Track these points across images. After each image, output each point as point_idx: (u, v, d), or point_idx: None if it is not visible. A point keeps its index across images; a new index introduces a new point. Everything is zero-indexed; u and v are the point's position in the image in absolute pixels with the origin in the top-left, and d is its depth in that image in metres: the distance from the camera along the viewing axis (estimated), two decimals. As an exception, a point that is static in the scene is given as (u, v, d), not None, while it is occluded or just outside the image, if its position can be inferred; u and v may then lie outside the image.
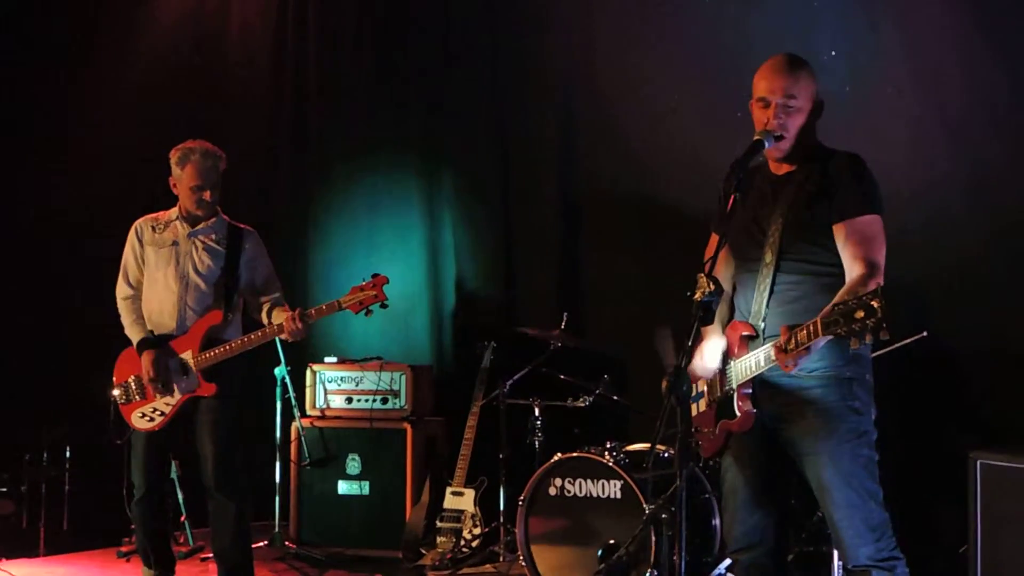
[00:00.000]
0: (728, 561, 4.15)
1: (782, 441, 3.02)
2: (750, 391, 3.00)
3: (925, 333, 4.01)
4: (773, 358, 2.84)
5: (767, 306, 2.99)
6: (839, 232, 2.93)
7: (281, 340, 5.08)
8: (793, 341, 2.75)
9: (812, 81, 3.03)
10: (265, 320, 4.35)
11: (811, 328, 2.70)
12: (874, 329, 2.53)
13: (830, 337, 2.67)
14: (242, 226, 4.44)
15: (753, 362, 2.94)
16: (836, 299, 2.75)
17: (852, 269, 2.88)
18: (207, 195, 4.30)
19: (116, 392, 4.36)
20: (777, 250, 2.99)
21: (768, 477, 3.08)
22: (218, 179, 4.32)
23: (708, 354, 3.10)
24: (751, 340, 3.01)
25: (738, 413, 3.01)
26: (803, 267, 2.98)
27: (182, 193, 4.33)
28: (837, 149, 3.06)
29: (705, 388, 3.18)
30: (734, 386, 3.02)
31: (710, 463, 4.34)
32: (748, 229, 3.09)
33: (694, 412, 3.23)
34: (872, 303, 2.54)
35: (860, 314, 2.55)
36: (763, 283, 3.01)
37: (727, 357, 3.07)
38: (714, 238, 3.29)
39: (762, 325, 3.00)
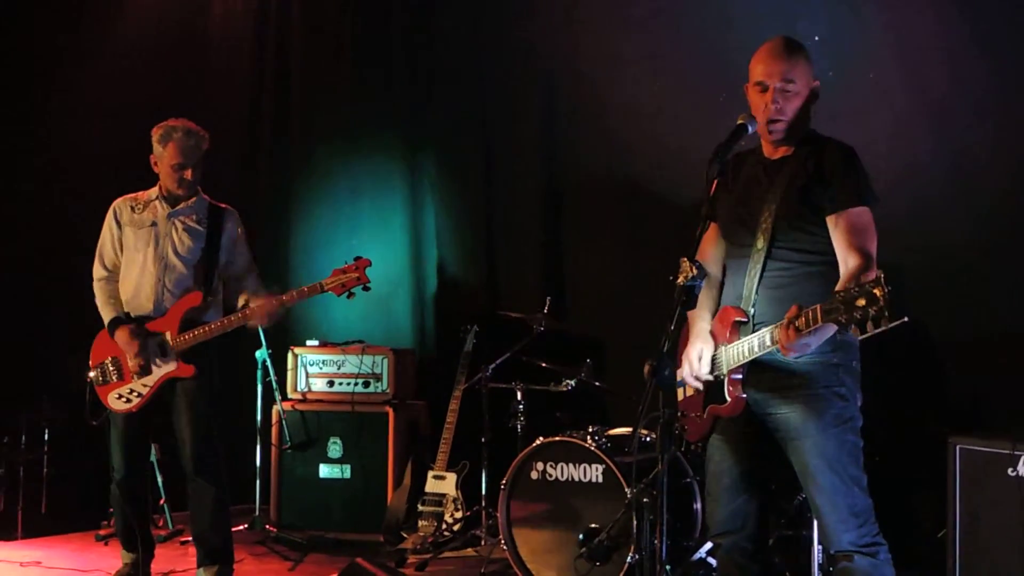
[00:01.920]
0: (709, 544, 4.16)
1: (769, 426, 3.02)
2: (741, 376, 2.99)
3: (906, 319, 4.00)
4: (768, 344, 2.84)
5: (756, 291, 2.99)
6: (832, 223, 2.92)
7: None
8: (803, 321, 2.70)
9: (809, 65, 3.02)
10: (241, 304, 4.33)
11: (810, 314, 2.67)
12: (875, 318, 2.49)
13: (831, 326, 2.65)
14: (223, 206, 4.40)
15: (747, 348, 2.93)
16: (837, 288, 2.72)
17: (847, 260, 2.87)
18: (188, 174, 4.24)
19: (92, 373, 4.32)
20: (769, 237, 2.98)
21: (753, 462, 3.09)
22: (200, 159, 4.27)
23: (695, 359, 3.06)
24: (742, 325, 3.00)
25: (728, 398, 3.01)
26: (793, 255, 2.97)
27: (163, 171, 4.28)
28: (830, 138, 3.05)
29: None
30: (724, 371, 3.01)
31: (691, 447, 4.35)
32: (738, 213, 3.08)
33: (681, 396, 3.23)
34: (875, 291, 2.50)
35: (862, 302, 2.52)
36: (753, 268, 3.00)
37: (716, 343, 3.06)
38: (705, 222, 3.28)
39: (752, 310, 2.99)
